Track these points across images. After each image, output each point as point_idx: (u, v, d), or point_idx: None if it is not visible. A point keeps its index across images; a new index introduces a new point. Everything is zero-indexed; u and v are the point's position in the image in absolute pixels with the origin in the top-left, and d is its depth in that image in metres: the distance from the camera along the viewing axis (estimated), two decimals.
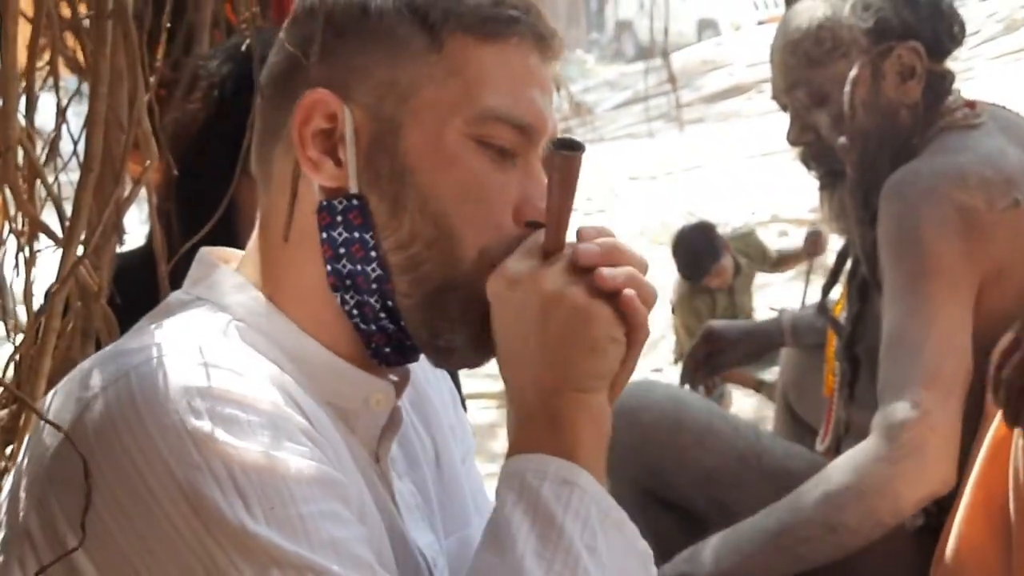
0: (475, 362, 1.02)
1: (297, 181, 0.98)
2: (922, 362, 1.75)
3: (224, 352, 0.92)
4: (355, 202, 0.97)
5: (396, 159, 0.97)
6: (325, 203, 0.98)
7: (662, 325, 4.78)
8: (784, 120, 2.02)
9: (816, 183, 2.03)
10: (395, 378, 1.04)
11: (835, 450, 2.07)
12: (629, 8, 14.28)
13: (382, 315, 0.99)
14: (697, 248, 4.42)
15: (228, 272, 1.02)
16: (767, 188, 7.19)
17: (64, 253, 1.15)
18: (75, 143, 1.21)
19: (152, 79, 1.19)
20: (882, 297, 1.87)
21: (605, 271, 0.95)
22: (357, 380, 1.00)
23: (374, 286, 0.98)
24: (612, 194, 8.30)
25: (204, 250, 1.06)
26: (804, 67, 1.92)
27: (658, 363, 4.67)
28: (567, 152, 0.95)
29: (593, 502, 0.93)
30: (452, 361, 1.02)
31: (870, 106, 1.89)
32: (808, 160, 2.00)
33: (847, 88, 1.88)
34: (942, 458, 1.73)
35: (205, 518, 0.84)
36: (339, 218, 0.97)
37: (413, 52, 0.98)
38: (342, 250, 0.98)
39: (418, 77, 0.97)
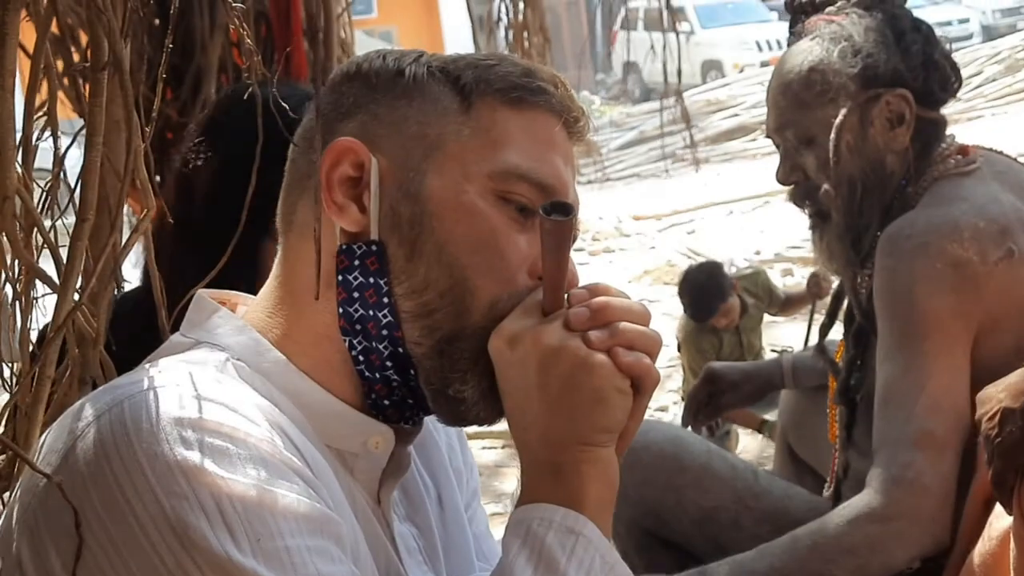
0: (486, 417, 1.02)
1: (320, 229, 1.00)
2: (915, 421, 1.73)
3: (218, 387, 0.93)
4: (374, 248, 0.99)
5: (417, 205, 0.99)
6: (344, 247, 1.00)
7: (666, 364, 4.76)
8: None
9: (807, 222, 2.01)
10: (406, 425, 1.05)
11: (836, 495, 2.07)
12: (636, 50, 14.33)
13: (388, 364, 0.99)
14: (704, 289, 4.36)
15: (227, 315, 1.04)
16: (771, 228, 7.19)
17: (59, 301, 1.16)
18: (72, 191, 1.23)
19: (148, 129, 1.20)
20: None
21: (593, 335, 0.96)
22: (355, 422, 1.01)
23: (384, 332, 0.99)
24: (618, 233, 8.31)
25: (202, 293, 1.07)
26: (794, 109, 1.92)
27: (663, 402, 4.64)
28: (559, 217, 0.96)
29: (597, 553, 0.94)
30: (462, 414, 1.02)
31: (856, 151, 1.88)
32: (797, 199, 1.99)
33: (833, 133, 1.87)
34: (935, 520, 1.72)
35: (191, 548, 0.85)
36: (356, 262, 0.99)
37: (443, 110, 1.01)
38: (356, 294, 0.99)
39: (446, 132, 1.00)
